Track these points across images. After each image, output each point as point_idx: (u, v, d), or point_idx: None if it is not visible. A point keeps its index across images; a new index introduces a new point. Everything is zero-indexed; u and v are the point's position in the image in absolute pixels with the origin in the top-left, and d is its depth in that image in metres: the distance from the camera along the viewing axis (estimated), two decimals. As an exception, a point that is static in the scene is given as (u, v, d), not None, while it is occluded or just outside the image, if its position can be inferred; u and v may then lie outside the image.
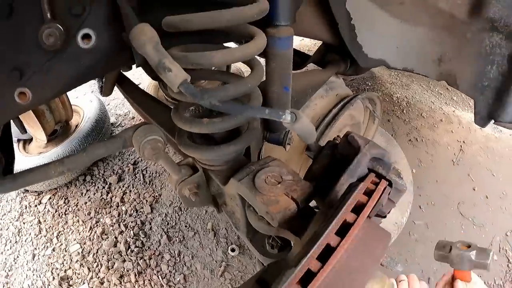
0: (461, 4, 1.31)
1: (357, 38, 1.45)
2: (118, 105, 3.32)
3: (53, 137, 2.59)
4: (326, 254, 0.60)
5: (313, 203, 0.89)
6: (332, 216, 0.66)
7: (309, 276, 0.59)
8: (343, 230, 0.64)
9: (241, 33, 0.84)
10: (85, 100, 2.81)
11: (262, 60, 1.09)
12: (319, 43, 1.88)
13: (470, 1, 1.29)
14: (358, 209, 0.68)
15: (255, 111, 0.72)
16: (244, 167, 0.91)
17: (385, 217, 0.88)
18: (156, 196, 2.52)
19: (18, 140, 2.63)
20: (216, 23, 0.72)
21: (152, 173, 2.68)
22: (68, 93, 2.48)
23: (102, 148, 0.87)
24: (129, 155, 2.82)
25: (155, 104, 1.59)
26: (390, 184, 0.80)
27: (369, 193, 0.73)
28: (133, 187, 2.59)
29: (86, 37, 0.78)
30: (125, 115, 3.22)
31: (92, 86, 3.42)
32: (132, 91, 1.66)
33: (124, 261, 2.19)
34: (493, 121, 1.51)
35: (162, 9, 0.82)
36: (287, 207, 0.77)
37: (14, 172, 0.98)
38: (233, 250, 2.19)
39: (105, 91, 1.59)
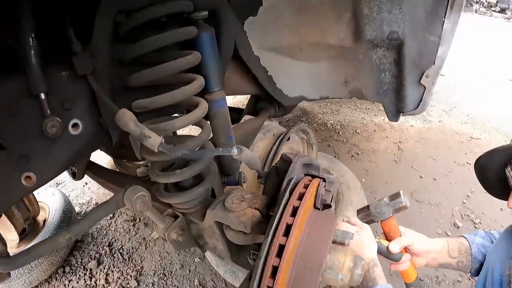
0: (345, 36, 1.75)
1: (277, 85, 1.82)
2: (79, 195, 3.45)
3: (23, 235, 2.64)
4: (287, 232, 0.89)
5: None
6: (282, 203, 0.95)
7: (280, 249, 0.86)
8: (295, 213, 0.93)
9: (189, 104, 1.15)
10: (48, 194, 2.90)
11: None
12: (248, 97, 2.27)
13: (351, 32, 1.73)
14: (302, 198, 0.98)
15: (213, 152, 1.02)
16: (213, 201, 1.19)
17: (330, 206, 1.18)
18: (139, 269, 2.65)
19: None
20: (173, 100, 1.03)
21: (129, 249, 2.81)
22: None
23: (101, 211, 1.11)
24: (102, 238, 2.94)
25: (121, 176, 1.84)
26: (324, 180, 1.12)
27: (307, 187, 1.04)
28: (114, 267, 2.69)
29: (75, 125, 1.05)
30: (88, 203, 3.35)
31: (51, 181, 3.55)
32: (100, 172, 1.91)
33: None
34: (401, 114, 1.93)
35: (125, 96, 1.12)
36: (253, 214, 1.05)
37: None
38: (225, 296, 2.36)
39: (79, 175, 1.81)
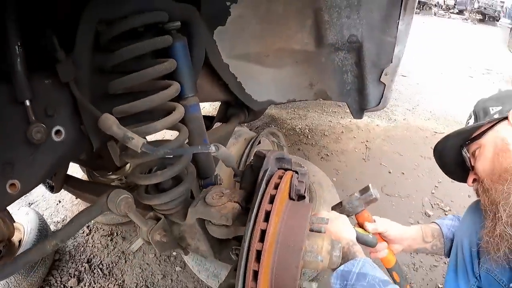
0: (308, 42, 1.89)
1: (246, 90, 1.93)
2: (53, 213, 3.40)
3: (-1, 258, 2.60)
4: (266, 218, 0.98)
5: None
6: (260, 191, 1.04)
7: (262, 235, 0.94)
8: (272, 201, 1.02)
9: (166, 109, 1.21)
10: (21, 214, 2.83)
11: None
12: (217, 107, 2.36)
13: (314, 38, 1.87)
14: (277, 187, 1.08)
15: (193, 149, 1.12)
16: (194, 200, 1.27)
17: (304, 197, 1.29)
18: (120, 283, 2.65)
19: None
20: (152, 104, 1.11)
21: (109, 264, 2.80)
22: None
23: (86, 215, 1.15)
24: (80, 255, 2.92)
25: (99, 186, 1.88)
26: (296, 172, 1.23)
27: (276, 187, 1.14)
28: (95, 283, 2.67)
29: (58, 132, 1.10)
30: (62, 221, 3.31)
31: (22, 199, 3.50)
32: (77, 184, 1.95)
33: None
34: (364, 111, 2.08)
35: (105, 103, 1.18)
36: (233, 207, 1.13)
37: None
38: (210, 300, 2.41)
39: (56, 187, 1.83)
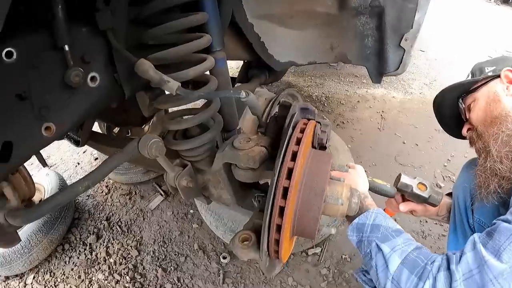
0: (331, 5, 1.92)
1: (268, 50, 1.98)
2: (72, 175, 3.55)
3: (19, 216, 2.74)
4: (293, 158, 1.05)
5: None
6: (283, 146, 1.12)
7: (289, 173, 1.02)
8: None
9: (197, 60, 1.26)
10: (42, 175, 2.97)
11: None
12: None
13: (337, 1, 1.91)
14: (299, 141, 1.15)
15: (224, 93, 1.19)
16: (221, 146, 1.36)
17: (325, 147, 1.36)
18: (139, 239, 2.80)
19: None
20: (186, 51, 1.17)
21: (127, 221, 2.95)
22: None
23: (118, 158, 1.20)
24: (99, 213, 3.06)
25: (124, 140, 1.99)
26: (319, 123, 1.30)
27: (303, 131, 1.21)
28: (114, 240, 2.83)
29: (93, 78, 1.17)
30: (81, 182, 3.45)
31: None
32: (102, 139, 2.05)
33: None
34: (383, 75, 2.13)
35: (138, 53, 1.24)
36: (260, 151, 1.21)
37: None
38: (224, 257, 2.55)
39: (83, 141, 1.93)
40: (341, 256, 2.52)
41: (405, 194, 1.61)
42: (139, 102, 1.53)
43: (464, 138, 1.57)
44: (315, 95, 4.27)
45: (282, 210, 1.00)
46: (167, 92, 1.39)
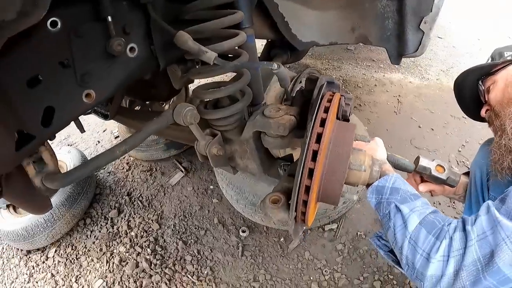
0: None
1: (292, 30, 2.05)
2: (92, 153, 3.70)
3: (43, 192, 2.84)
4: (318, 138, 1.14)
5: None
6: (314, 113, 1.21)
7: (318, 138, 1.11)
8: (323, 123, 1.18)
9: (229, 35, 1.34)
10: (64, 152, 3.09)
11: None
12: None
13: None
14: (326, 110, 1.24)
15: (258, 64, 1.29)
16: (252, 115, 1.46)
17: (348, 120, 1.45)
18: (159, 213, 2.93)
19: (7, 206, 2.80)
20: (221, 25, 1.26)
21: (148, 197, 3.09)
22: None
23: (154, 125, 1.29)
24: (120, 189, 3.20)
25: (152, 113, 2.10)
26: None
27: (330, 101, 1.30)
28: (135, 214, 2.96)
29: (132, 49, 1.25)
30: (102, 160, 3.60)
31: (62, 141, 3.80)
32: (129, 113, 2.17)
33: (150, 276, 2.52)
34: (402, 57, 2.20)
35: (174, 26, 1.34)
36: (290, 119, 1.30)
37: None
38: (243, 231, 2.67)
39: (111, 115, 2.05)
40: (356, 233, 2.62)
41: (424, 176, 1.69)
42: (170, 75, 1.63)
43: (482, 120, 1.64)
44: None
45: (311, 172, 1.08)
46: (197, 66, 1.51)
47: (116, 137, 3.78)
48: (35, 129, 1.09)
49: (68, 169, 2.94)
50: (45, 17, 0.84)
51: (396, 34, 2.14)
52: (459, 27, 6.18)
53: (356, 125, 1.31)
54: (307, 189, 1.10)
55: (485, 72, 1.58)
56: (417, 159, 1.69)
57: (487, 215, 0.99)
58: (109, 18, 1.13)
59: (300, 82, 2.34)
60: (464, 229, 1.00)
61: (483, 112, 1.60)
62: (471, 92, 1.67)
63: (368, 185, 1.32)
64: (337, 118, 1.37)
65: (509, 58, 1.51)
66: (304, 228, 1.33)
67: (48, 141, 1.29)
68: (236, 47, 1.39)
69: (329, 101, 1.22)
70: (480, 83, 1.58)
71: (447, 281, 0.96)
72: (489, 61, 1.64)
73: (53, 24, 1.03)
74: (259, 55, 2.49)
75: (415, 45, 2.16)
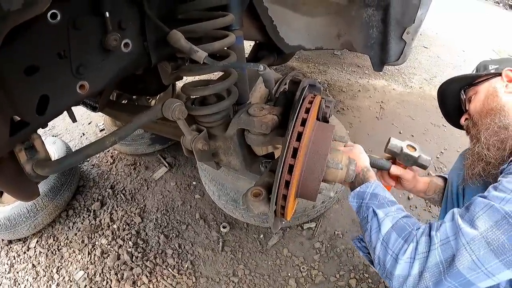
0: (341, -5, 2.10)
1: (279, 33, 2.15)
2: (77, 145, 3.72)
3: (29, 181, 2.86)
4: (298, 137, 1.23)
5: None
6: (295, 113, 1.30)
7: (298, 136, 1.21)
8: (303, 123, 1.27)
9: (220, 35, 1.42)
10: (49, 143, 3.11)
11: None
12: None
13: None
14: (307, 110, 1.33)
15: (245, 64, 1.35)
16: (237, 113, 1.54)
17: (328, 121, 1.55)
18: (142, 207, 2.98)
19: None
20: (213, 26, 1.34)
21: (131, 190, 3.13)
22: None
23: (143, 117, 1.35)
24: (103, 182, 3.24)
25: (140, 107, 2.16)
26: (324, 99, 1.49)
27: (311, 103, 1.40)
28: (118, 207, 3.01)
29: (126, 44, 1.32)
30: (86, 152, 3.63)
31: (46, 132, 3.82)
32: (116, 106, 2.23)
33: (131, 268, 2.56)
34: (384, 65, 2.32)
35: (167, 25, 1.42)
36: (272, 118, 1.39)
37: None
38: (224, 227, 2.75)
39: (100, 107, 2.10)
40: (334, 232, 2.73)
41: (396, 157, 1.72)
42: (160, 71, 1.70)
43: (461, 127, 1.73)
44: (317, 81, 4.46)
45: (291, 168, 1.17)
46: (186, 64, 1.59)
47: (101, 130, 3.82)
48: (29, 116, 1.14)
49: (53, 157, 2.96)
50: (46, 9, 0.87)
51: (380, 43, 2.27)
52: (445, 38, 6.39)
53: (334, 126, 1.40)
54: (287, 184, 1.18)
55: (469, 82, 1.67)
56: (389, 140, 1.76)
57: (452, 222, 1.10)
58: (107, 14, 1.19)
59: (285, 84, 2.45)
60: (429, 234, 1.11)
61: (462, 120, 1.69)
62: (453, 100, 1.77)
63: (351, 187, 1.44)
64: (317, 119, 1.47)
65: (492, 71, 1.59)
66: (283, 222, 1.41)
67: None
68: (225, 48, 1.48)
69: (310, 102, 1.31)
70: (463, 92, 1.68)
71: (413, 281, 1.06)
72: (474, 71, 1.73)
73: (53, 16, 1.07)
74: (247, 55, 2.59)
75: (397, 54, 2.28)
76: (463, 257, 1.00)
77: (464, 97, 1.67)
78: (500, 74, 1.55)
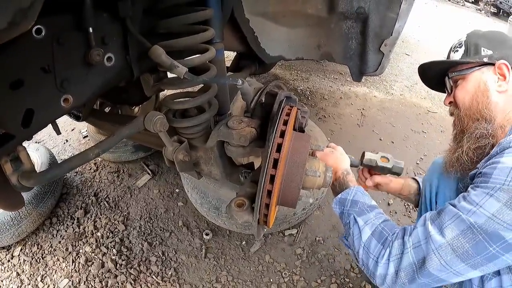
0: (322, 8, 2.19)
1: (261, 44, 2.23)
2: (60, 151, 3.72)
3: (14, 189, 2.86)
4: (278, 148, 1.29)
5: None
6: (274, 125, 1.37)
7: (278, 147, 1.27)
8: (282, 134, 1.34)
9: (200, 49, 1.48)
10: (32, 150, 3.08)
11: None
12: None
13: (327, 5, 2.18)
14: (285, 122, 1.40)
15: (224, 79, 1.43)
16: (216, 125, 1.60)
17: (303, 131, 1.62)
18: (125, 214, 3.00)
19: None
20: (193, 41, 1.39)
21: (115, 198, 3.15)
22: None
23: (126, 130, 1.40)
24: (87, 189, 3.26)
25: (123, 117, 2.21)
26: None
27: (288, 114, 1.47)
28: (101, 214, 3.02)
29: (109, 59, 1.36)
30: (69, 159, 3.64)
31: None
32: (100, 115, 2.27)
33: (116, 276, 2.57)
34: (363, 75, 2.42)
35: (149, 39, 1.47)
36: (251, 131, 1.45)
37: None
38: (207, 234, 2.79)
39: (84, 116, 2.14)
40: (315, 238, 2.81)
41: (372, 169, 1.86)
42: (143, 83, 1.75)
43: (439, 90, 1.70)
44: (300, 88, 4.57)
45: (272, 178, 1.23)
46: (169, 76, 1.65)
47: (84, 137, 3.83)
48: (15, 129, 1.17)
49: (36, 166, 2.95)
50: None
51: (358, 54, 2.37)
52: (426, 45, 6.57)
53: (311, 136, 1.48)
54: (269, 193, 1.24)
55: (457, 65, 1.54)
56: (363, 154, 1.88)
57: (423, 227, 1.20)
58: (90, 30, 1.23)
59: (267, 92, 2.53)
60: (402, 238, 1.23)
61: (446, 102, 1.61)
62: (437, 75, 1.65)
63: (333, 191, 1.57)
64: (294, 129, 1.54)
65: (485, 59, 1.44)
66: (266, 229, 1.48)
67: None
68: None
69: (288, 114, 1.39)
70: (449, 74, 1.56)
71: (391, 279, 1.20)
72: (462, 48, 1.54)
73: (38, 31, 1.11)
74: (229, 65, 2.65)
75: (375, 65, 2.39)
76: (433, 260, 1.12)
77: (450, 80, 1.55)
78: (493, 64, 1.41)
